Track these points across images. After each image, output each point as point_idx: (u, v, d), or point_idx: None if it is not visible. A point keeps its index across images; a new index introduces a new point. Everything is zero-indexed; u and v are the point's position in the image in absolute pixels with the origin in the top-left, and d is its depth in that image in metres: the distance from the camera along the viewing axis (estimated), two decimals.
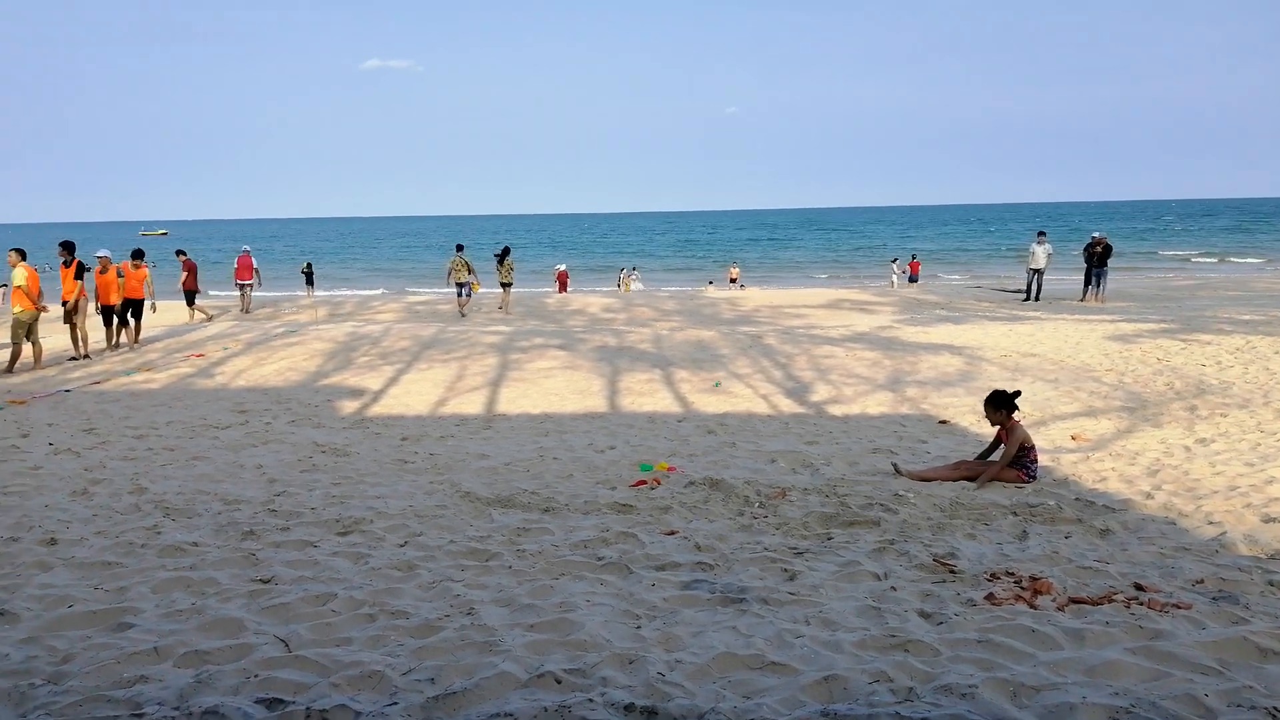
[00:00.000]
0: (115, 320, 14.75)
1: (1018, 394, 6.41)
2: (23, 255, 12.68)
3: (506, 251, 21.59)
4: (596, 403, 9.94)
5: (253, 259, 22.93)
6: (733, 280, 35.16)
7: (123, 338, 15.06)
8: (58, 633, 3.77)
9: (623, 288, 33.62)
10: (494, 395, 10.43)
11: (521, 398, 10.25)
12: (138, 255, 15.52)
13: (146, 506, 5.73)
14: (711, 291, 30.34)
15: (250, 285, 22.82)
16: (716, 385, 10.76)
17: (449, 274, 21.12)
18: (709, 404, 9.74)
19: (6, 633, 3.76)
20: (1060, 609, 3.90)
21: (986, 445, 6.53)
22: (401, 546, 4.93)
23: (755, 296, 26.54)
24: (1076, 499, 5.68)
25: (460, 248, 21.05)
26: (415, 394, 10.49)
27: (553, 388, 10.83)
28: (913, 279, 31.60)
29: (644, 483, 6.31)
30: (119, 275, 14.61)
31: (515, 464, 7.06)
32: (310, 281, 30.78)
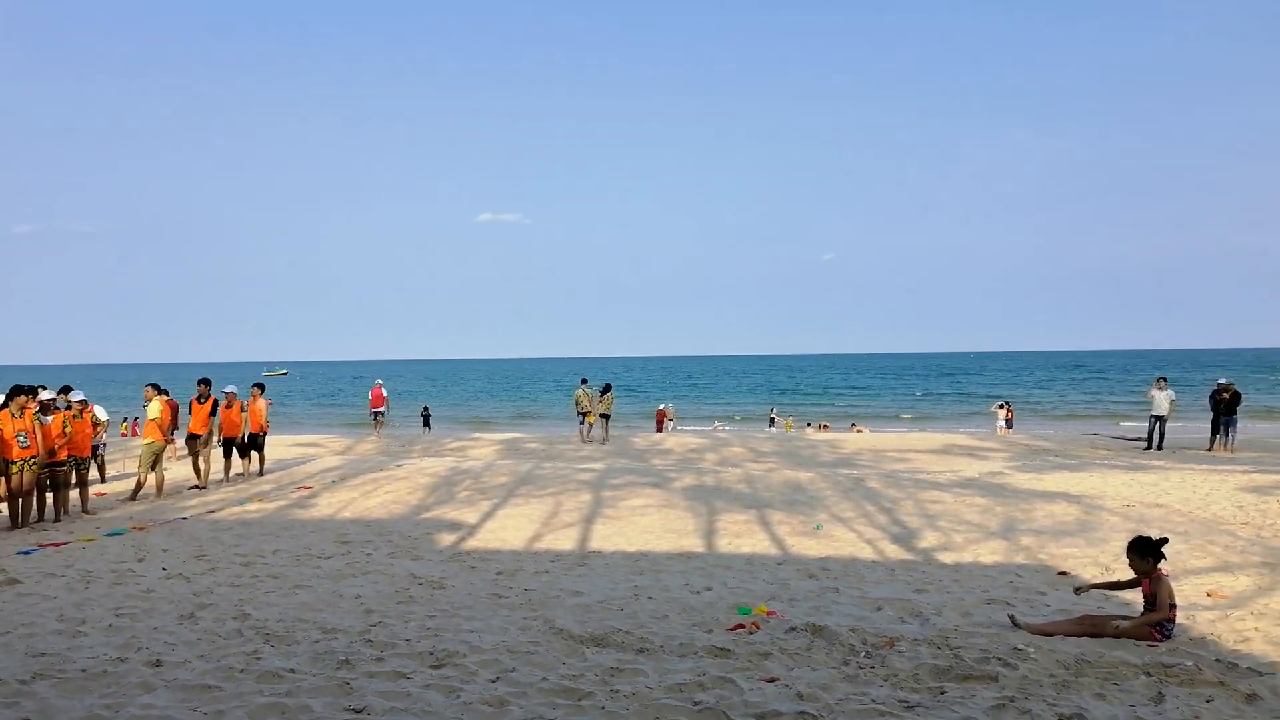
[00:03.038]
0: (235, 452, 15.46)
1: (1164, 541, 5.97)
2: (158, 389, 13.60)
3: (608, 387, 24.61)
4: (691, 542, 9.75)
5: (383, 390, 26.41)
6: (824, 428, 35.19)
7: (242, 468, 15.72)
8: None
9: (785, 427, 34.40)
10: (588, 532, 10.37)
11: (616, 535, 10.15)
12: (259, 387, 16.31)
13: (248, 632, 5.83)
14: (810, 433, 30.11)
15: (382, 413, 26.06)
16: (818, 529, 10.43)
17: (576, 404, 23.72)
18: (809, 547, 9.42)
19: None
20: None
21: (1113, 599, 6.06)
22: (494, 682, 4.83)
23: (857, 439, 26.02)
24: (1217, 660, 5.17)
25: (585, 381, 24.22)
26: (511, 528, 10.52)
27: (647, 525, 10.70)
28: (1008, 424, 30.83)
29: (742, 626, 6.07)
30: (243, 410, 15.43)
31: (609, 602, 6.92)
32: (427, 423, 31.58)
